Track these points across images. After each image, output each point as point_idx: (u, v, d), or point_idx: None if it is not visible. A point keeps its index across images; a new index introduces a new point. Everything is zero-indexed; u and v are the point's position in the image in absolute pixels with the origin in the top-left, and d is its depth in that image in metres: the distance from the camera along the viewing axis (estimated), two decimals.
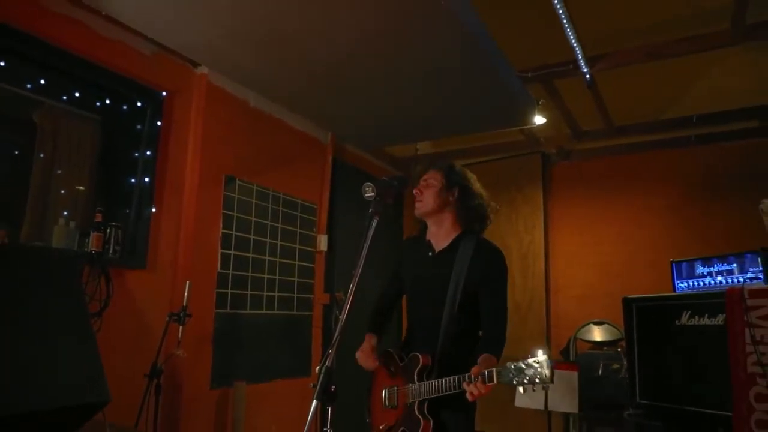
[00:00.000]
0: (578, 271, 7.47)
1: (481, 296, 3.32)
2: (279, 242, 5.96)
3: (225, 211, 5.41)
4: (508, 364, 2.93)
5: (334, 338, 2.84)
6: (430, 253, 3.43)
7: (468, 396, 3.02)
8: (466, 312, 3.30)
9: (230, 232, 5.43)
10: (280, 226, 5.92)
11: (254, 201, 5.66)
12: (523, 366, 2.86)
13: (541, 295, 7.53)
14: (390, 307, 3.68)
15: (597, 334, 6.74)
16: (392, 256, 3.78)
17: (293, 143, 6.20)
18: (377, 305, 3.68)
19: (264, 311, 5.68)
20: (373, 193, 3.01)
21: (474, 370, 3.04)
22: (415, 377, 3.29)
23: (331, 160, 6.69)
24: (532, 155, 7.84)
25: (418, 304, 3.44)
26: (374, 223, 2.93)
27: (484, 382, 2.96)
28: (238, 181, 5.54)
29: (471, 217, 3.42)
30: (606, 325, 6.78)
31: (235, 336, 5.44)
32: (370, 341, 3.50)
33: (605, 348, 6.62)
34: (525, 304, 7.55)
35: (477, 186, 3.51)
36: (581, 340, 6.79)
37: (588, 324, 6.81)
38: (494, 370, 2.95)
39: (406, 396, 3.30)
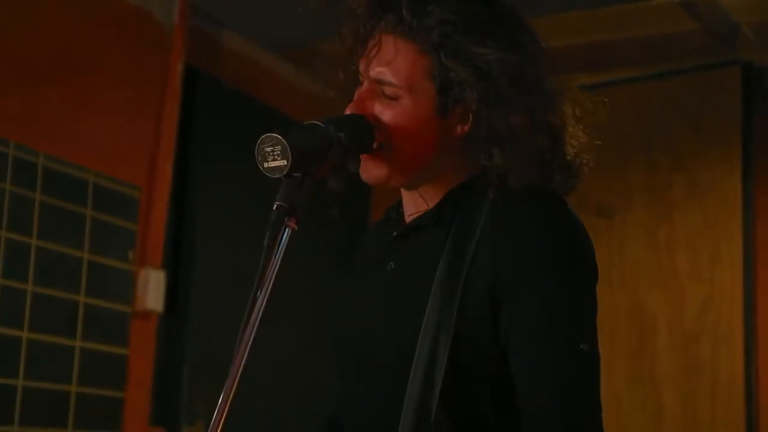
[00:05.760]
0: None
1: (511, 336, 1.43)
2: (30, 287, 3.04)
3: None
4: None
5: None
6: (394, 233, 1.59)
7: None
8: (467, 393, 1.47)
9: None
10: (33, 242, 3.08)
11: None
12: None
13: None
14: None
15: None
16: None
17: (82, 22, 3.33)
18: None
19: None
20: (284, 161, 1.37)
21: None
22: None
23: (180, 70, 3.60)
24: (719, 70, 4.13)
25: (351, 379, 1.64)
26: (284, 238, 1.36)
27: None
28: None
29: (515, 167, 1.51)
30: None
31: None
32: None
33: None
34: None
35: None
36: None
37: None
38: None
39: None
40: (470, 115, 1.46)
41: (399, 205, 1.63)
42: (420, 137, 1.49)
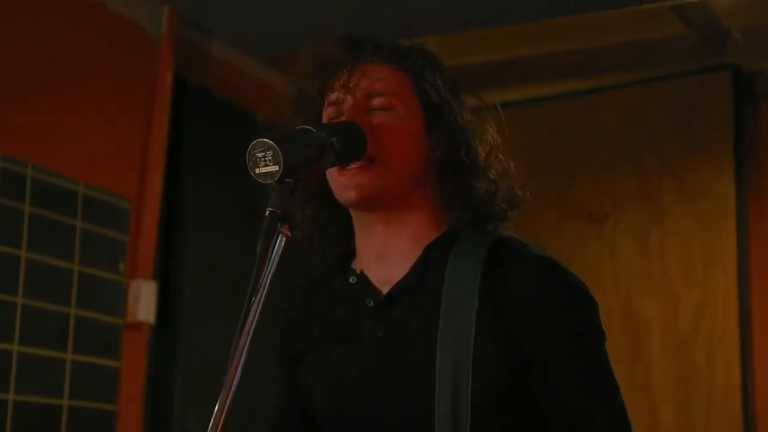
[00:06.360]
0: None
1: (545, 393, 1.46)
2: (19, 300, 3.02)
3: None
4: None
5: None
6: (370, 303, 1.54)
7: None
8: None
9: None
10: (23, 254, 3.07)
11: None
12: None
13: None
14: None
15: None
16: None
17: (69, 32, 3.32)
18: None
19: None
20: (275, 166, 1.34)
21: None
22: None
23: (169, 80, 3.60)
24: (709, 74, 4.08)
25: None
26: (277, 245, 1.31)
27: None
28: None
29: (477, 199, 1.60)
30: None
31: None
32: None
33: None
34: None
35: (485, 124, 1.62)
36: None
37: None
38: None
39: None
40: (445, 135, 1.52)
41: (347, 267, 1.58)
42: (412, 148, 1.50)
